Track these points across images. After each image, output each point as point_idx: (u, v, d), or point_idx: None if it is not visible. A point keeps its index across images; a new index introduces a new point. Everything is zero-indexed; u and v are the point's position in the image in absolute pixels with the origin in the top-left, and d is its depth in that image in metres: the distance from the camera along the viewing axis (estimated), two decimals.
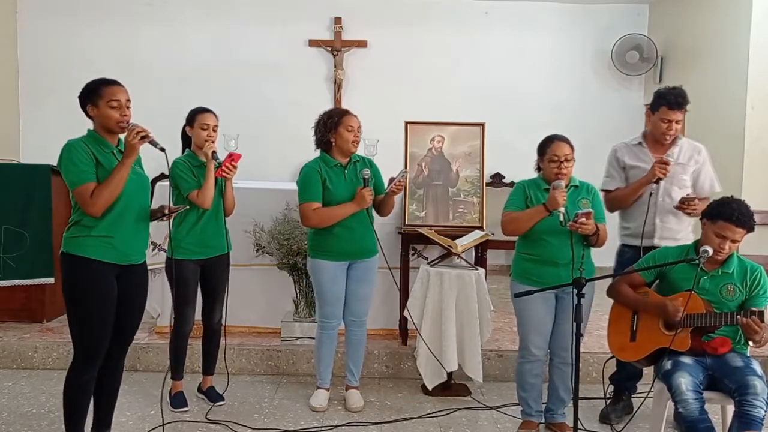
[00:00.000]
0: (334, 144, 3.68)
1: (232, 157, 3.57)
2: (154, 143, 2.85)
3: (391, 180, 3.74)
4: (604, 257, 3.69)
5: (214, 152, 3.60)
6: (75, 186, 2.79)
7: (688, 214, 3.51)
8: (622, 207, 3.67)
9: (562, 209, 3.22)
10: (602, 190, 3.67)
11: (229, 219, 3.84)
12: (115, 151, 2.90)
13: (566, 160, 3.30)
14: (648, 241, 3.55)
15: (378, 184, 3.82)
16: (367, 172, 3.61)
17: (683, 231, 3.60)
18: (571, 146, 3.35)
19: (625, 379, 3.76)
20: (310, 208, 3.61)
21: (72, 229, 2.87)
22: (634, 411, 3.63)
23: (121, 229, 2.87)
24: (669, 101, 3.49)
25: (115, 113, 2.83)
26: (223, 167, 3.54)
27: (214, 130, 3.68)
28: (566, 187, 3.33)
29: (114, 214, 2.84)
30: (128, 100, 2.89)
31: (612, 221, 3.60)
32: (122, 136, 2.89)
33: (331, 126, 3.66)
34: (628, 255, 3.65)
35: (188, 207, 3.45)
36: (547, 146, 3.35)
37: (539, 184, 3.42)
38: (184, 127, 3.75)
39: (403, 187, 3.71)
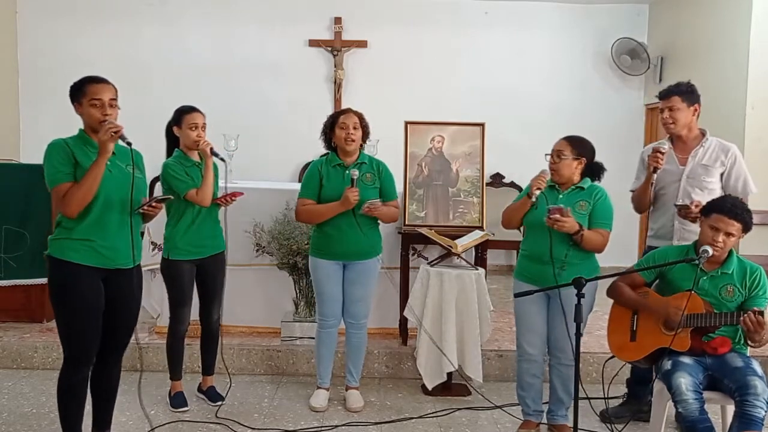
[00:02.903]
0: (336, 145, 3.74)
1: (233, 194, 3.64)
2: (122, 137, 2.74)
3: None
4: (609, 257, 3.64)
5: (211, 148, 3.59)
6: (51, 186, 2.74)
7: (692, 220, 3.38)
8: (641, 205, 3.68)
9: (536, 192, 3.29)
10: (631, 191, 3.75)
11: (229, 219, 3.84)
12: None
13: (557, 156, 3.34)
14: (667, 242, 3.53)
15: (388, 189, 3.77)
16: (355, 172, 3.61)
17: None
18: (571, 144, 3.37)
19: (641, 383, 3.62)
20: (300, 204, 3.73)
21: (56, 231, 2.81)
22: (634, 414, 3.61)
23: (102, 232, 2.77)
24: (659, 92, 3.65)
25: (96, 112, 2.74)
26: (224, 199, 3.61)
27: (203, 129, 3.64)
28: (573, 186, 3.36)
29: (93, 216, 2.75)
30: (113, 99, 2.79)
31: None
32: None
33: (329, 127, 3.75)
34: None
35: (171, 197, 3.33)
36: None
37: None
38: (169, 126, 3.69)
39: (376, 208, 3.60)
